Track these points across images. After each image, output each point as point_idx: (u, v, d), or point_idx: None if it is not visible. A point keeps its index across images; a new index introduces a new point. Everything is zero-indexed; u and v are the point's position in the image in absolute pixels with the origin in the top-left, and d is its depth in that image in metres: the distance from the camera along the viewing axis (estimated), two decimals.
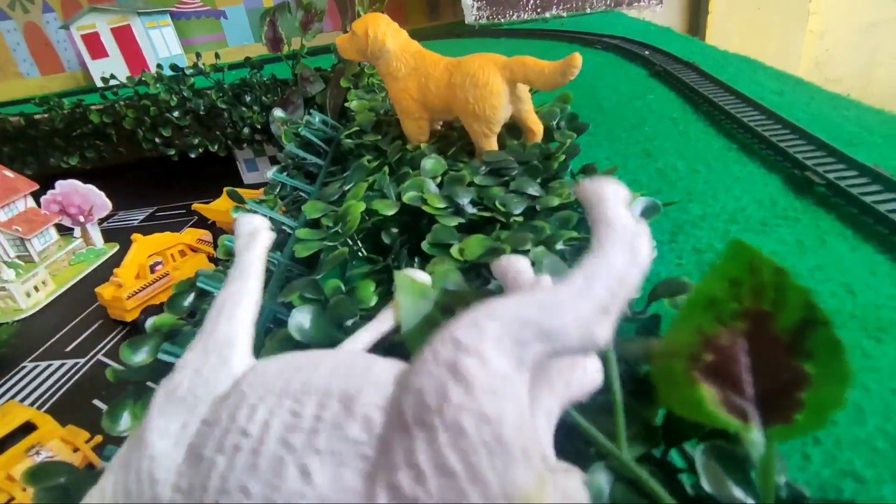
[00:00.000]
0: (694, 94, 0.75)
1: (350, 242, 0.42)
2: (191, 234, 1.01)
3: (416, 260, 0.41)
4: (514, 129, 0.58)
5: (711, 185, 0.53)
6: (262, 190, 1.20)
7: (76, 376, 0.83)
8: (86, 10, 1.69)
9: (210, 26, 1.94)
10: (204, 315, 0.46)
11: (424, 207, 0.44)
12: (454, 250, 0.38)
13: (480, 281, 0.35)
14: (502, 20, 1.51)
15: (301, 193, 0.65)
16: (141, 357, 0.38)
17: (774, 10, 1.85)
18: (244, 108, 1.28)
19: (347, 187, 0.51)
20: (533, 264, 0.29)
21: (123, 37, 1.74)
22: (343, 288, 0.38)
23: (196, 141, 1.35)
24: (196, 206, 1.23)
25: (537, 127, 0.57)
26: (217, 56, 1.29)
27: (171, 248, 0.97)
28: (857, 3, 2.14)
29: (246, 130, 1.31)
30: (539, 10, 1.50)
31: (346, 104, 0.91)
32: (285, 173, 0.74)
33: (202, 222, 1.33)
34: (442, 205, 0.44)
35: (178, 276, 0.96)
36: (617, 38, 1.10)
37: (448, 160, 0.56)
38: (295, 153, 0.69)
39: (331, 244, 0.41)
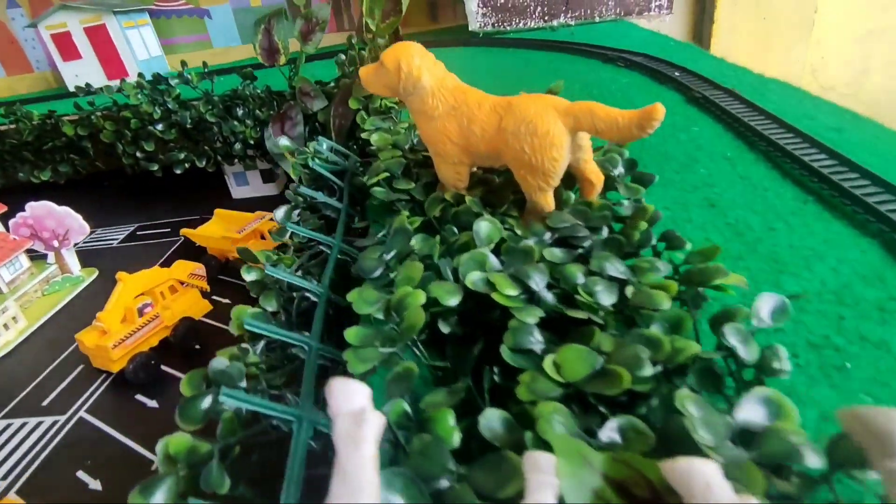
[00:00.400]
0: (744, 128, 0.69)
1: (410, 345, 0.35)
2: (181, 268, 0.92)
3: (496, 370, 0.33)
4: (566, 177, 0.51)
5: (798, 250, 0.47)
6: (257, 214, 1.11)
7: (56, 439, 0.74)
8: (56, 7, 1.56)
9: (193, 26, 1.82)
10: (229, 424, 0.39)
11: (494, 296, 0.36)
12: (548, 365, 0.31)
13: (596, 419, 0.28)
14: (508, 28, 1.44)
15: (321, 246, 0.57)
16: None
17: (779, 21, 1.82)
18: (236, 122, 1.18)
19: (388, 257, 0.44)
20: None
21: (98, 37, 1.61)
22: (410, 414, 0.30)
23: (182, 156, 1.25)
24: (184, 231, 1.13)
25: (598, 179, 0.50)
26: (205, 65, 1.19)
27: (161, 286, 0.87)
28: (852, 11, 2.13)
29: (238, 146, 1.21)
30: (546, 18, 1.43)
31: (362, 133, 0.83)
32: (296, 214, 0.66)
33: (189, 245, 1.23)
34: (514, 291, 0.37)
35: (169, 315, 0.87)
36: (639, 54, 1.04)
37: (496, 216, 0.49)
38: (309, 195, 0.61)
39: (386, 349, 0.33)
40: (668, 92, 0.85)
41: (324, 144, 0.77)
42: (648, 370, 0.29)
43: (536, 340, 0.34)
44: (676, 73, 0.90)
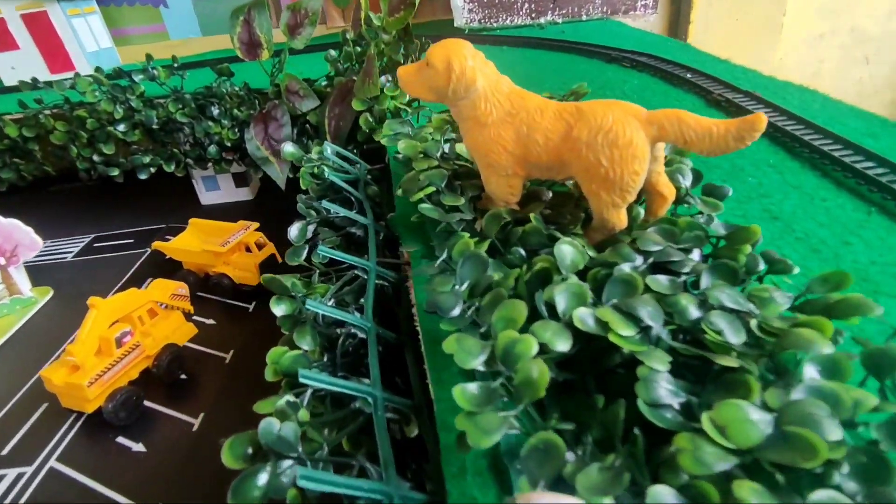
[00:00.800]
0: (780, 134, 0.67)
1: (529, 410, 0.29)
2: (161, 289, 0.82)
3: (637, 432, 0.28)
4: None
5: (883, 267, 0.44)
6: (240, 223, 1.01)
7: (24, 496, 0.63)
8: None
9: (146, 15, 1.66)
10: None
11: (611, 337, 0.31)
12: (709, 428, 0.26)
13: (789, 495, 0.23)
14: (495, 24, 1.39)
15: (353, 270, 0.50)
16: None
17: (750, 22, 1.86)
18: (210, 123, 1.07)
19: (462, 288, 0.38)
20: None
21: (38, 25, 1.44)
22: None
23: (147, 159, 1.13)
24: (157, 244, 1.02)
25: (670, 192, 0.46)
26: (175, 59, 1.07)
27: (139, 310, 0.77)
28: (809, 14, 2.21)
29: (213, 148, 1.10)
30: (534, 15, 1.39)
31: (372, 137, 0.76)
32: (310, 230, 0.59)
33: (157, 258, 1.11)
34: (630, 331, 0.32)
35: (150, 344, 0.77)
36: (642, 54, 1.01)
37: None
38: (333, 210, 0.54)
39: (503, 413, 0.28)
40: (686, 95, 0.83)
41: (328, 148, 0.69)
42: (837, 433, 0.25)
43: (672, 391, 0.29)
44: (688, 75, 0.88)
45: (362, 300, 0.48)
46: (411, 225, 0.55)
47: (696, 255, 0.40)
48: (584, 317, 0.33)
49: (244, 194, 1.40)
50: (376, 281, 0.49)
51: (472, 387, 0.28)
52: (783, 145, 0.65)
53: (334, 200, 0.65)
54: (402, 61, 0.77)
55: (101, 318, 0.72)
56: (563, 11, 1.40)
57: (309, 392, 0.39)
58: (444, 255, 0.42)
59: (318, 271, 0.52)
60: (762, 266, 0.37)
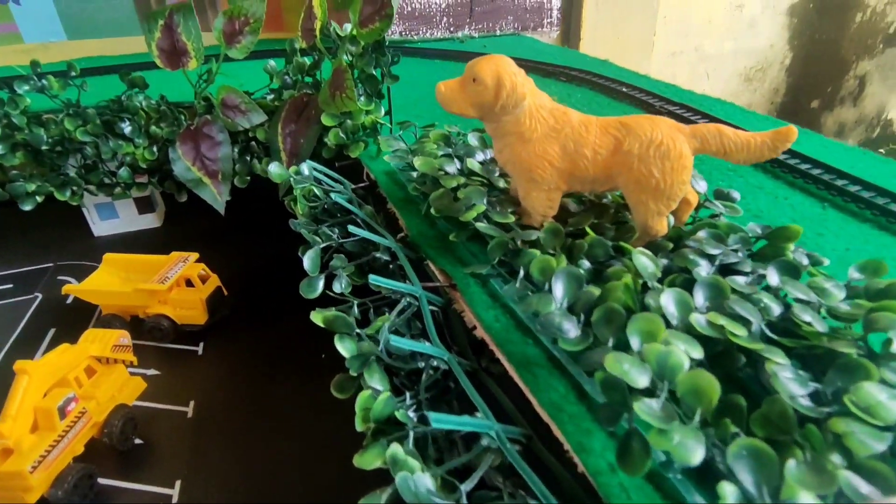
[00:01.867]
0: None
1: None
2: (99, 340, 0.68)
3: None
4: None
5: (857, 253, 0.53)
6: (175, 255, 0.88)
7: None
8: None
9: None
10: None
11: (732, 338, 0.33)
12: (853, 408, 0.29)
13: None
14: (415, 37, 1.39)
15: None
16: None
17: (628, 39, 2.10)
18: (121, 142, 0.92)
19: (564, 304, 0.37)
20: None
21: None
22: None
23: (33, 187, 0.94)
24: (68, 288, 0.85)
25: (694, 198, 0.50)
26: (72, 67, 0.90)
27: (75, 370, 0.64)
28: (668, 34, 2.54)
29: (124, 171, 0.95)
30: (452, 29, 1.41)
31: (385, 157, 0.72)
32: (314, 254, 0.54)
33: (57, 304, 0.94)
34: (742, 331, 0.34)
35: (96, 409, 0.64)
36: (573, 69, 1.09)
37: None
38: (359, 234, 0.50)
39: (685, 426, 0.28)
40: (631, 108, 0.90)
41: (305, 169, 0.64)
42: None
43: (798, 381, 0.32)
44: (624, 88, 0.96)
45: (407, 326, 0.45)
46: (434, 244, 0.53)
47: (741, 256, 0.44)
48: (701, 322, 0.35)
49: (149, 221, 1.22)
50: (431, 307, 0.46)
51: (653, 404, 0.28)
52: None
53: (332, 224, 0.60)
54: (376, 75, 0.74)
55: (34, 386, 0.58)
56: (479, 26, 1.44)
57: (412, 435, 0.35)
58: (522, 274, 0.42)
59: (355, 303, 0.48)
60: (806, 261, 0.42)
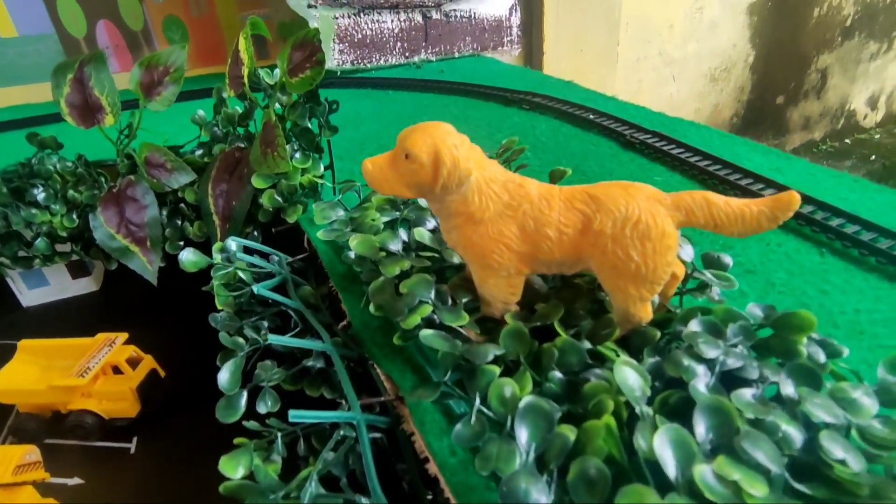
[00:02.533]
0: (706, 176, 0.70)
1: None
2: (3, 459, 0.58)
3: None
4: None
5: (869, 315, 0.45)
6: (99, 337, 0.78)
7: None
8: None
9: None
10: None
11: (749, 501, 0.25)
12: None
13: None
14: (369, 65, 1.30)
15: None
16: None
17: (592, 51, 2.05)
18: (35, 211, 0.81)
19: (530, 457, 0.29)
20: None
21: None
22: None
23: None
24: None
25: (681, 271, 0.43)
26: None
27: None
28: (630, 41, 2.51)
29: (41, 243, 0.84)
30: (408, 54, 1.33)
31: (319, 235, 0.63)
32: (233, 366, 0.45)
33: None
34: (762, 489, 0.26)
35: None
36: (536, 94, 1.02)
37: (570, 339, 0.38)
38: (287, 344, 0.41)
39: None
40: (600, 138, 0.83)
41: (232, 245, 0.55)
42: None
43: None
44: (591, 115, 0.89)
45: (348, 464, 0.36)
46: (380, 339, 0.45)
47: (740, 350, 0.36)
48: (708, 479, 0.26)
49: (84, 286, 1.11)
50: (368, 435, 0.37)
51: None
52: (708, 186, 0.68)
53: (262, 315, 0.51)
54: (311, 127, 0.65)
55: None
56: (436, 49, 1.37)
57: None
58: (478, 402, 0.33)
59: (279, 436, 0.38)
60: (822, 355, 0.35)
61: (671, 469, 0.27)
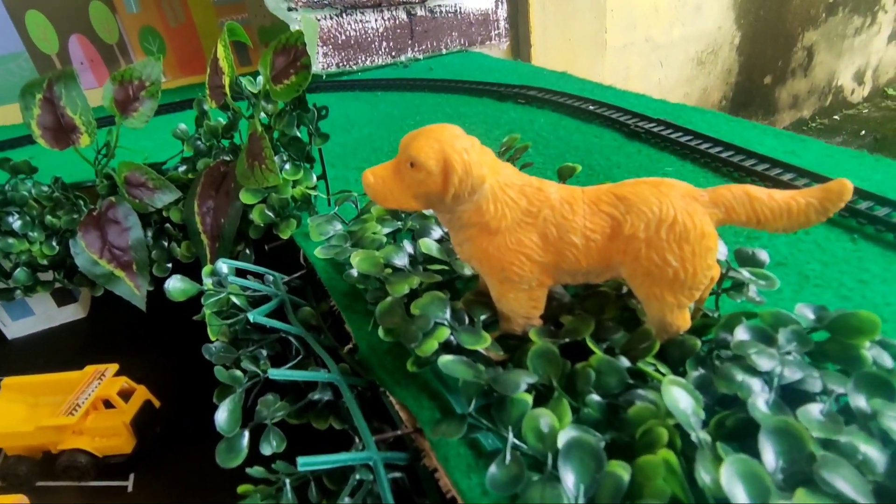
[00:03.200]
0: (719, 163, 0.66)
1: None
2: None
3: None
4: None
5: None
6: (88, 370, 0.74)
7: None
8: None
9: None
10: None
11: None
12: None
13: None
14: (355, 67, 1.26)
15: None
16: None
17: (580, 40, 2.02)
18: (11, 240, 0.77)
19: (580, 501, 0.25)
20: None
21: None
22: None
23: None
24: None
25: (716, 272, 0.39)
26: None
27: None
28: (617, 27, 2.48)
29: (21, 273, 0.79)
30: (394, 54, 1.29)
31: (316, 252, 0.59)
32: (232, 402, 0.41)
33: None
34: None
35: None
36: (530, 88, 0.98)
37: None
38: (288, 378, 0.37)
39: None
40: (603, 129, 0.80)
41: (223, 268, 0.51)
42: None
43: None
44: (591, 107, 0.86)
45: None
46: (390, 365, 0.41)
47: (793, 356, 0.33)
48: None
49: (71, 313, 1.06)
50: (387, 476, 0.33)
51: None
52: (722, 174, 0.64)
53: (260, 343, 0.47)
54: (300, 136, 0.61)
55: None
56: (423, 47, 1.33)
57: None
58: (511, 437, 0.29)
59: (287, 483, 0.34)
60: (890, 363, 0.31)
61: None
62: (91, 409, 0.69)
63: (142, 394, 0.73)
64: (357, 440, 0.35)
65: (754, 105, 3.13)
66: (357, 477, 0.33)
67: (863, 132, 3.22)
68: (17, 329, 1.03)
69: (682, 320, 0.35)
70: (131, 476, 0.69)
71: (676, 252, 0.32)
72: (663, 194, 0.33)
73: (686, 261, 0.32)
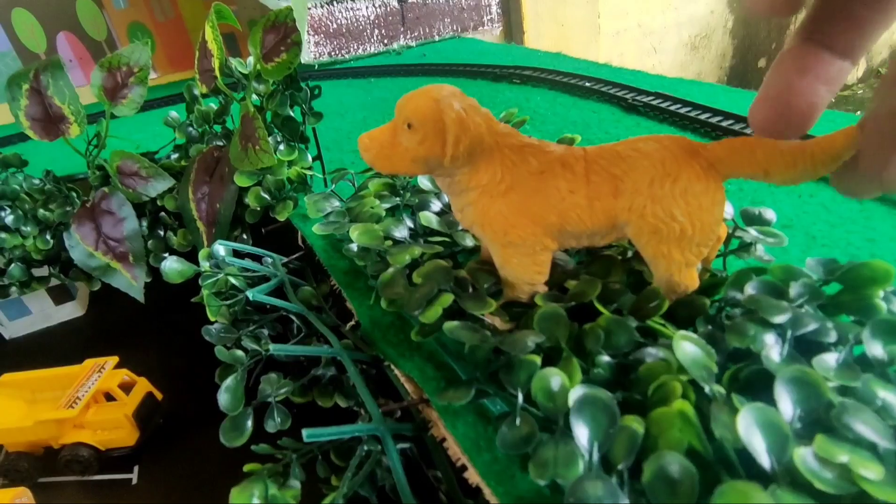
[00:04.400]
0: (720, 132, 0.65)
1: None
2: None
3: None
4: None
5: None
6: (87, 364, 0.73)
7: None
8: None
9: None
10: None
11: (867, 488, 0.21)
12: None
13: None
14: (347, 55, 1.25)
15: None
16: None
17: (573, 26, 2.01)
18: (4, 235, 0.76)
19: (594, 456, 0.24)
20: None
21: None
22: None
23: None
24: None
25: (724, 231, 0.39)
26: None
27: None
28: (609, 14, 2.46)
29: (16, 269, 0.78)
30: (386, 42, 1.28)
31: (315, 229, 0.58)
32: (233, 380, 0.40)
33: None
34: (877, 469, 0.22)
35: None
36: (526, 68, 0.97)
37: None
38: (282, 352, 0.36)
39: None
40: (600, 104, 0.79)
41: (220, 250, 0.50)
42: None
43: None
44: (587, 83, 0.85)
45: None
46: (394, 338, 0.40)
47: (810, 308, 0.32)
48: (811, 464, 0.22)
49: (69, 311, 1.05)
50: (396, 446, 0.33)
51: None
52: None
53: (260, 323, 0.46)
54: (294, 116, 0.60)
55: None
56: (415, 34, 1.32)
57: None
58: (521, 399, 0.29)
59: (294, 458, 0.34)
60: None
61: (764, 456, 0.23)
62: (92, 403, 0.68)
63: (143, 386, 0.72)
64: (363, 412, 0.34)
65: (750, 88, 3.12)
66: (365, 448, 0.32)
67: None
68: (14, 329, 1.02)
69: (690, 279, 0.35)
70: (135, 469, 0.69)
71: (682, 206, 0.31)
72: (666, 148, 0.32)
73: (693, 215, 0.32)
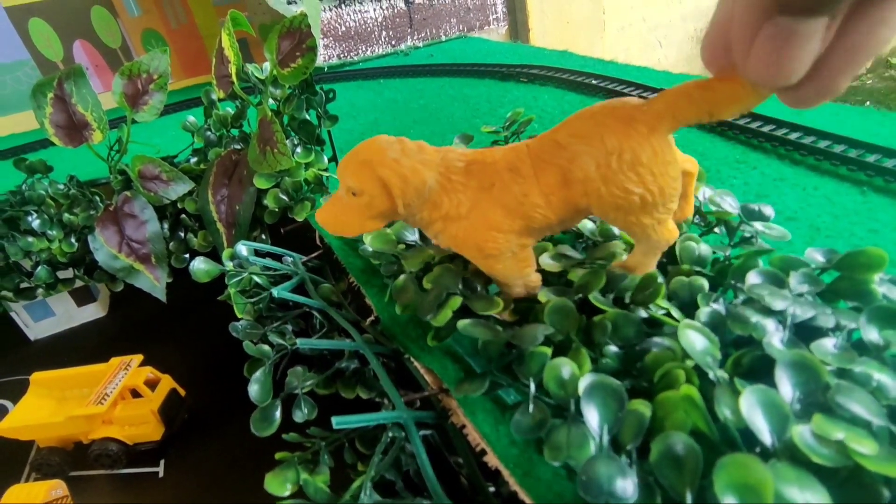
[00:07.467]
0: (725, 126, 0.67)
1: None
2: (27, 497, 0.55)
3: None
4: None
5: None
6: (113, 362, 0.75)
7: None
8: None
9: None
10: None
11: (863, 462, 0.23)
12: None
13: None
14: (356, 57, 1.27)
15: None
16: None
17: (579, 22, 2.01)
18: (32, 239, 0.79)
19: (605, 439, 0.26)
20: None
21: None
22: None
23: None
24: None
25: (693, 166, 0.38)
26: None
27: None
28: (611, 10, 2.46)
29: (42, 271, 0.81)
30: (394, 43, 1.30)
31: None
32: (258, 375, 0.42)
33: None
34: (871, 445, 0.24)
35: None
36: (532, 66, 0.98)
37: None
38: (308, 347, 0.38)
39: None
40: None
41: (242, 250, 0.52)
42: None
43: None
44: (593, 81, 0.86)
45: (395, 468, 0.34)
46: (413, 333, 0.42)
47: (809, 297, 0.33)
48: (809, 440, 0.24)
49: (91, 312, 1.09)
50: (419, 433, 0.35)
51: None
52: (728, 137, 0.65)
53: (284, 319, 0.49)
54: (310, 119, 0.62)
55: None
56: (422, 35, 1.33)
57: None
58: (533, 389, 0.30)
59: (322, 445, 0.36)
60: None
61: (765, 434, 0.25)
62: (119, 399, 0.71)
63: (167, 383, 0.75)
64: (386, 402, 0.36)
65: None
66: (390, 434, 0.34)
67: (867, 102, 3.18)
68: (39, 330, 1.05)
69: (668, 232, 0.34)
70: (162, 462, 0.71)
71: (635, 179, 0.31)
72: (601, 125, 0.32)
73: (648, 183, 0.31)
